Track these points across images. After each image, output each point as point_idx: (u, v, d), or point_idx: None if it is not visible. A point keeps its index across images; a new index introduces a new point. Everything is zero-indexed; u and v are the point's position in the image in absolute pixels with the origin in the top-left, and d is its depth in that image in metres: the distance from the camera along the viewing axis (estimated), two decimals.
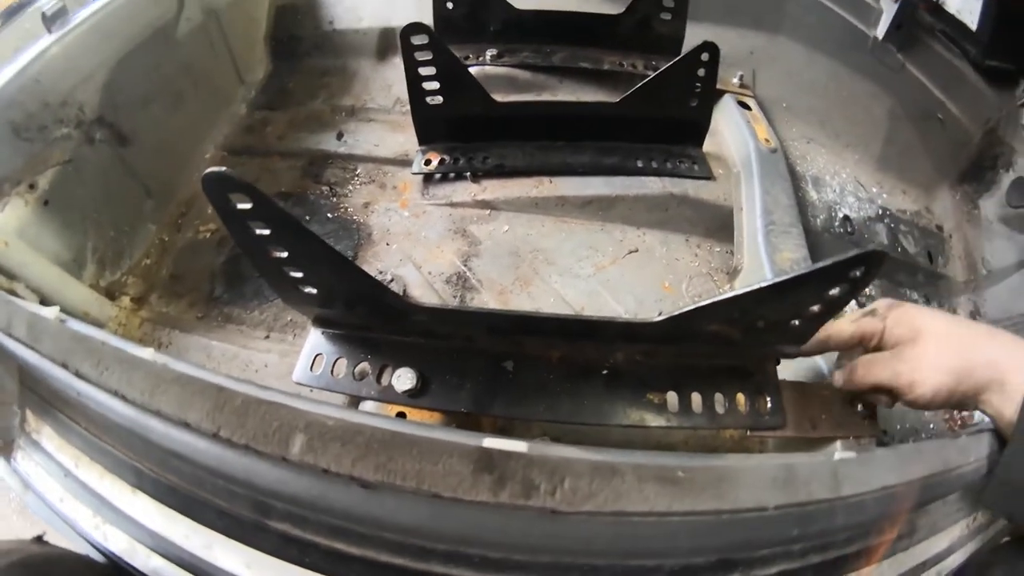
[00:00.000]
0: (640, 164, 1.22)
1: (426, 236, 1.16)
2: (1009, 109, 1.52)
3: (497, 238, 1.16)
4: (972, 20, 1.60)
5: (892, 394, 0.70)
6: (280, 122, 1.40)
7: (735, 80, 1.42)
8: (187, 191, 1.34)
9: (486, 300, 1.10)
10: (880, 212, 1.41)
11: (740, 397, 0.81)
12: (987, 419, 0.69)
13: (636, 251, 1.19)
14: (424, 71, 1.12)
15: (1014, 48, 1.52)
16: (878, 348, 0.73)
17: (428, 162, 1.22)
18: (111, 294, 1.17)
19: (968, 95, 1.48)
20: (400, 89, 1.36)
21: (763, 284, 0.62)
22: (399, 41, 1.07)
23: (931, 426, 1.17)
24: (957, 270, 1.39)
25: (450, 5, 1.30)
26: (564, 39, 1.33)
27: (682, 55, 1.12)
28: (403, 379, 0.80)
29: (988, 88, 1.50)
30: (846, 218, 1.39)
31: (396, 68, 1.42)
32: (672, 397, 0.78)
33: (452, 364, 0.81)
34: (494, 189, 1.19)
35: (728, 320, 0.71)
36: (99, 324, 1.11)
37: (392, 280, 1.13)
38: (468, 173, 1.20)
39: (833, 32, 1.50)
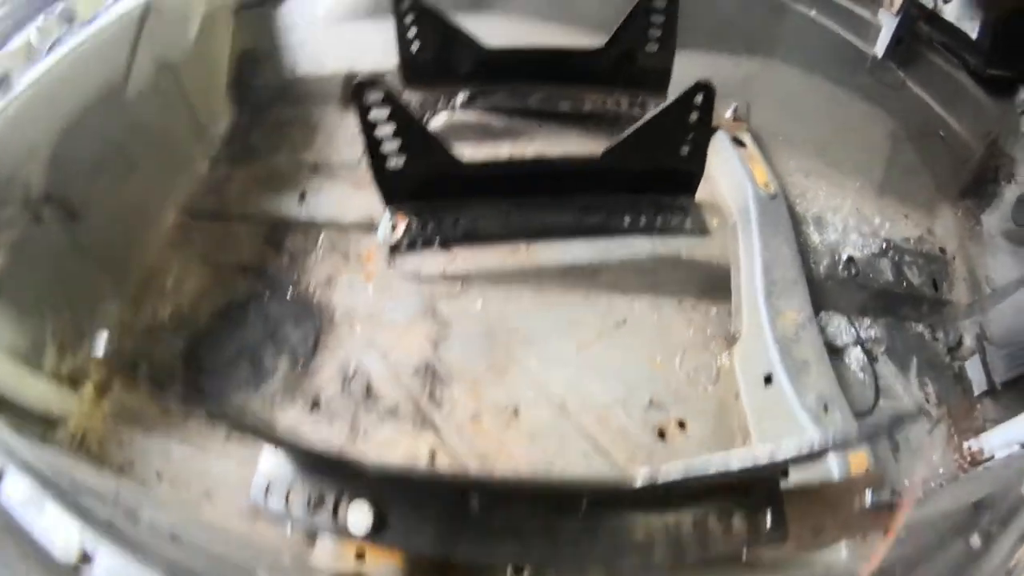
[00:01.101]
0: (627, 222, 1.04)
1: (392, 318, 0.99)
2: (1009, 119, 1.38)
3: (470, 317, 0.99)
4: (972, 28, 1.47)
5: None
6: (242, 180, 1.23)
7: (728, 113, 1.22)
8: (148, 262, 1.18)
9: (456, 395, 0.94)
10: (883, 246, 1.24)
11: (736, 518, 0.70)
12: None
13: (624, 322, 1.01)
14: (382, 132, 0.95)
15: (1015, 56, 1.40)
16: None
17: (394, 227, 1.04)
18: (75, 381, 1.03)
19: (969, 108, 1.34)
20: None
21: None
22: (352, 99, 0.90)
23: (940, 471, 1.04)
24: (961, 293, 1.26)
25: (415, 47, 1.11)
26: (541, 78, 1.13)
27: (672, 99, 0.93)
28: (359, 515, 0.68)
29: (988, 99, 1.36)
30: (850, 259, 1.21)
31: None
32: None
33: (412, 496, 0.69)
34: (466, 258, 1.02)
35: None
36: (60, 420, 1.00)
37: (355, 373, 0.98)
38: (437, 239, 1.03)
39: (831, 52, 1.31)
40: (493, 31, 1.16)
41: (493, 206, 1.03)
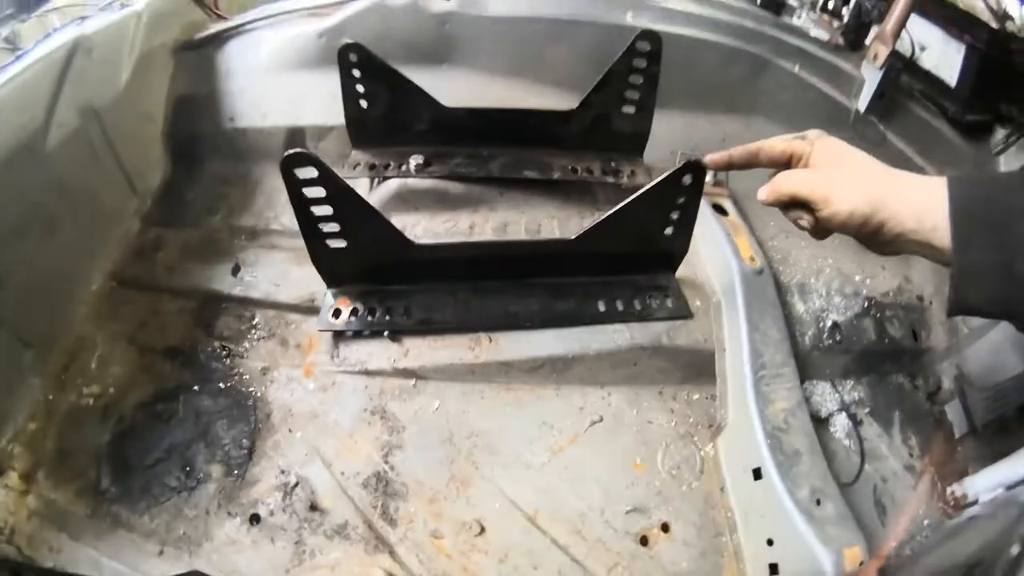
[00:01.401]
0: (602, 308, 0.91)
1: (336, 420, 0.85)
2: (985, 160, 1.35)
3: (425, 420, 0.86)
4: (950, 75, 1.46)
5: (809, 210, 0.68)
6: (173, 246, 1.07)
7: (708, 177, 1.08)
8: (72, 335, 1.02)
9: (413, 510, 0.80)
10: (865, 305, 1.17)
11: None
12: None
13: (600, 420, 0.89)
14: (319, 211, 0.82)
15: (993, 100, 1.39)
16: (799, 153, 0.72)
17: (337, 312, 0.90)
18: None
19: (946, 155, 1.30)
20: None
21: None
22: (281, 173, 0.77)
23: (926, 522, 1.01)
24: (939, 338, 1.23)
25: (364, 103, 0.97)
26: (505, 141, 1.00)
27: (656, 180, 0.81)
28: None
29: (965, 144, 1.33)
30: (835, 325, 1.13)
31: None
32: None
33: None
34: (419, 351, 0.88)
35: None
36: None
37: (297, 484, 0.84)
38: (386, 329, 0.90)
39: (813, 108, 1.23)
40: (452, 88, 1.03)
41: (450, 291, 0.89)
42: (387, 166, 0.99)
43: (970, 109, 1.35)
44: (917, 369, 1.19)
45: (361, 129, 0.99)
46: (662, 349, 0.91)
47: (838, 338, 1.14)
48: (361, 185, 1.02)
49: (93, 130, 1.09)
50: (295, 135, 1.08)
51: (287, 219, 1.04)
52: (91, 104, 1.07)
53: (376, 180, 1.01)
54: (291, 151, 0.74)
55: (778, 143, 0.74)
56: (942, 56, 1.65)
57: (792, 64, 1.24)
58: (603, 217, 0.83)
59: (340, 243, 0.84)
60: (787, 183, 0.69)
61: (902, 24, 1.30)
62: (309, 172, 0.76)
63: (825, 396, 1.11)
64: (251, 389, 0.92)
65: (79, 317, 1.04)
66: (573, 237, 0.84)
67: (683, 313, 0.96)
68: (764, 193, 0.72)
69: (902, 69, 1.32)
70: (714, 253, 1.01)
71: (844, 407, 1.11)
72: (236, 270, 1.01)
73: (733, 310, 0.98)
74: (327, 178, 0.76)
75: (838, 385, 1.14)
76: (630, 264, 0.92)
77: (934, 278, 1.27)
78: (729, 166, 0.77)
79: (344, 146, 1.03)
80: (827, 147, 0.70)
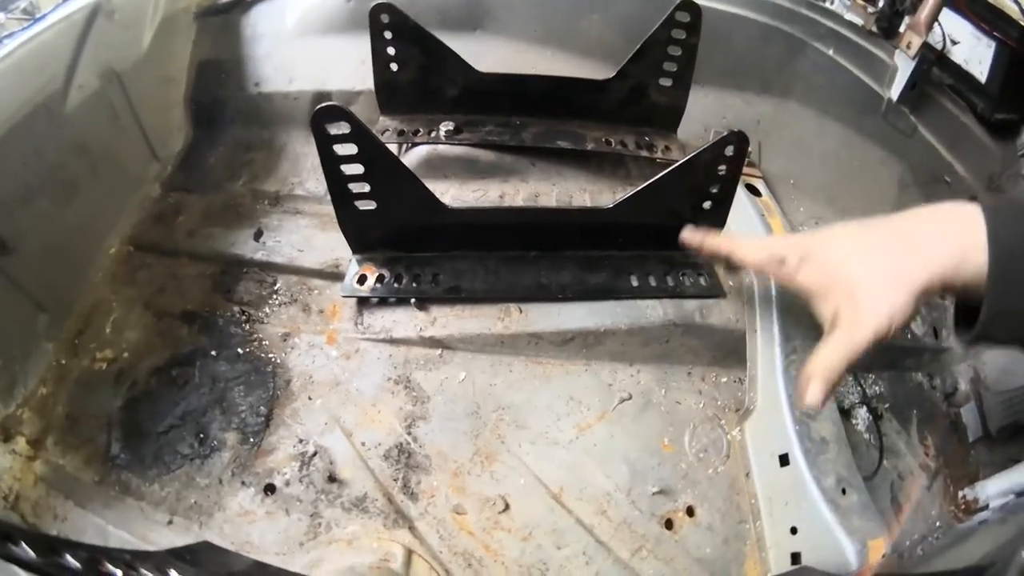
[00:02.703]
0: (635, 283, 0.84)
1: (359, 388, 0.78)
2: (1011, 160, 1.25)
3: (451, 391, 0.78)
4: (980, 71, 1.37)
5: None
6: (194, 210, 0.99)
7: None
8: (88, 299, 0.94)
9: (436, 484, 0.73)
10: None
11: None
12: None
13: (629, 399, 0.82)
14: (348, 169, 0.74)
15: (1022, 98, 1.28)
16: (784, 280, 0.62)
17: (363, 279, 0.82)
18: (6, 432, 0.80)
19: (973, 152, 1.21)
20: None
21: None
22: (311, 128, 0.70)
23: (938, 524, 0.95)
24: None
25: (395, 67, 0.89)
26: (538, 110, 0.92)
27: (700, 149, 0.73)
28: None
29: (992, 142, 1.23)
30: None
31: None
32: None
33: None
34: (447, 320, 0.80)
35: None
36: None
37: (315, 454, 0.77)
38: (414, 297, 0.83)
39: (846, 93, 1.14)
40: (485, 54, 0.96)
41: (480, 260, 0.81)
42: (416, 132, 0.91)
43: (999, 107, 1.26)
44: (936, 368, 1.13)
45: (391, 94, 0.91)
46: (693, 327, 0.84)
47: None
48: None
49: (114, 93, 1.01)
50: (322, 99, 0.98)
51: (312, 184, 0.96)
52: (112, 67, 0.99)
53: (405, 146, 0.93)
54: (324, 104, 0.66)
55: (752, 255, 0.63)
56: (972, 51, 1.56)
57: (827, 47, 1.16)
58: (641, 187, 0.75)
59: (369, 204, 0.76)
60: (837, 363, 0.55)
61: (936, 14, 1.22)
62: (341, 128, 0.68)
63: (848, 387, 1.04)
64: (271, 355, 0.84)
65: (95, 281, 0.96)
66: (608, 207, 0.77)
67: (716, 292, 0.88)
68: (816, 395, 0.56)
69: (934, 61, 1.23)
70: (748, 232, 0.93)
71: (865, 400, 1.04)
72: (259, 235, 0.94)
73: (766, 292, 0.90)
74: (360, 134, 0.69)
75: (860, 378, 1.07)
76: (664, 239, 0.84)
77: None
78: (700, 249, 0.71)
79: (372, 112, 0.95)
80: (821, 271, 0.57)
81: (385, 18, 0.85)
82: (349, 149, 0.71)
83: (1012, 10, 1.44)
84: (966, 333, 0.52)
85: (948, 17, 1.31)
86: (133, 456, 0.79)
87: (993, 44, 1.46)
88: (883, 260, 0.52)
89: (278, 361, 0.83)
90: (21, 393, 0.85)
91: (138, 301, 0.95)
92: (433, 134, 0.90)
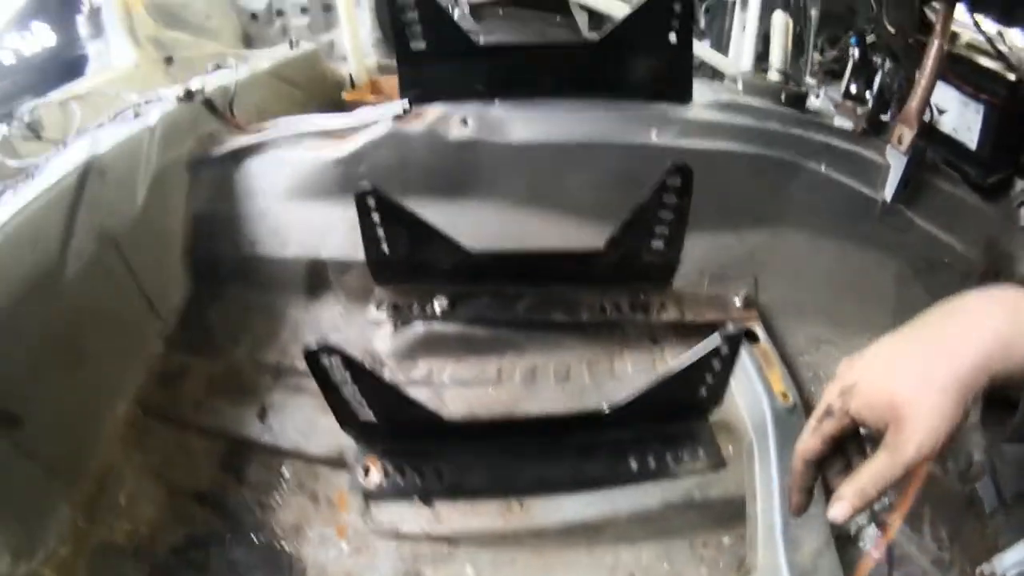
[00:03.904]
0: (634, 466, 0.80)
1: None
2: (1007, 216, 1.21)
3: None
4: (970, 138, 1.33)
5: None
6: (199, 377, 0.96)
7: (738, 300, 0.98)
8: (100, 462, 0.93)
9: None
10: None
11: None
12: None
13: None
14: (347, 392, 0.70)
15: (1012, 156, 1.25)
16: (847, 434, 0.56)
17: (367, 471, 0.82)
18: None
19: (971, 223, 1.14)
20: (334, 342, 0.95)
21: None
22: (306, 363, 0.67)
23: None
24: (973, 414, 1.03)
25: (385, 248, 0.84)
26: (530, 280, 0.88)
27: (700, 352, 0.70)
28: None
29: (987, 206, 1.18)
30: (868, 437, 1.03)
31: (330, 310, 0.97)
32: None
33: None
34: (451, 516, 0.78)
35: None
36: None
37: None
38: (417, 492, 0.80)
39: (840, 207, 1.08)
40: (473, 217, 0.91)
41: (480, 454, 0.79)
42: (411, 306, 0.87)
43: (991, 170, 1.23)
44: (949, 452, 1.03)
45: (383, 268, 0.87)
46: (694, 504, 0.81)
47: (868, 450, 1.03)
48: (386, 327, 0.91)
49: (111, 256, 0.96)
50: (316, 268, 0.96)
51: None
52: (108, 230, 0.94)
53: (398, 324, 0.89)
54: (316, 345, 0.63)
55: (809, 442, 0.55)
56: (960, 118, 1.49)
57: (819, 164, 1.09)
58: (635, 395, 0.72)
59: (369, 416, 0.74)
60: (866, 488, 0.51)
61: (926, 102, 1.14)
62: (335, 360, 0.65)
63: None
64: (284, 544, 0.82)
65: (105, 444, 0.93)
66: (606, 409, 0.74)
67: (716, 464, 0.85)
68: (839, 515, 0.52)
69: (924, 150, 1.17)
70: (746, 388, 0.89)
71: (873, 517, 1.00)
72: (263, 414, 0.91)
73: (765, 452, 0.86)
74: (352, 367, 0.66)
75: None
76: (663, 416, 0.82)
77: None
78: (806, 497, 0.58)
79: (368, 280, 0.90)
80: (865, 401, 0.52)
81: (371, 202, 0.80)
82: (345, 376, 0.68)
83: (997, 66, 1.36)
84: (997, 424, 0.49)
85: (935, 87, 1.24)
86: None
87: (981, 107, 1.39)
88: (921, 370, 0.48)
89: (292, 552, 0.82)
90: (43, 552, 0.83)
91: (149, 471, 0.92)
92: (428, 309, 0.87)
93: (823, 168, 1.09)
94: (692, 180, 0.82)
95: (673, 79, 0.92)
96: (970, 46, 1.42)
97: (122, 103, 1.19)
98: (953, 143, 1.39)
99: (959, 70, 1.34)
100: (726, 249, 0.98)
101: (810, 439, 0.56)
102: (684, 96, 0.94)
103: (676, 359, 0.76)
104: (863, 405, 0.52)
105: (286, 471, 0.87)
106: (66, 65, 1.80)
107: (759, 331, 0.96)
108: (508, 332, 0.88)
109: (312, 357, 0.66)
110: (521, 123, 0.89)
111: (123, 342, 1.01)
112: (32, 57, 1.73)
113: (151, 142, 1.08)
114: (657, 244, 0.86)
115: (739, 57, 1.71)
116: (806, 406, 0.93)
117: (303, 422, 0.89)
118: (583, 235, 0.90)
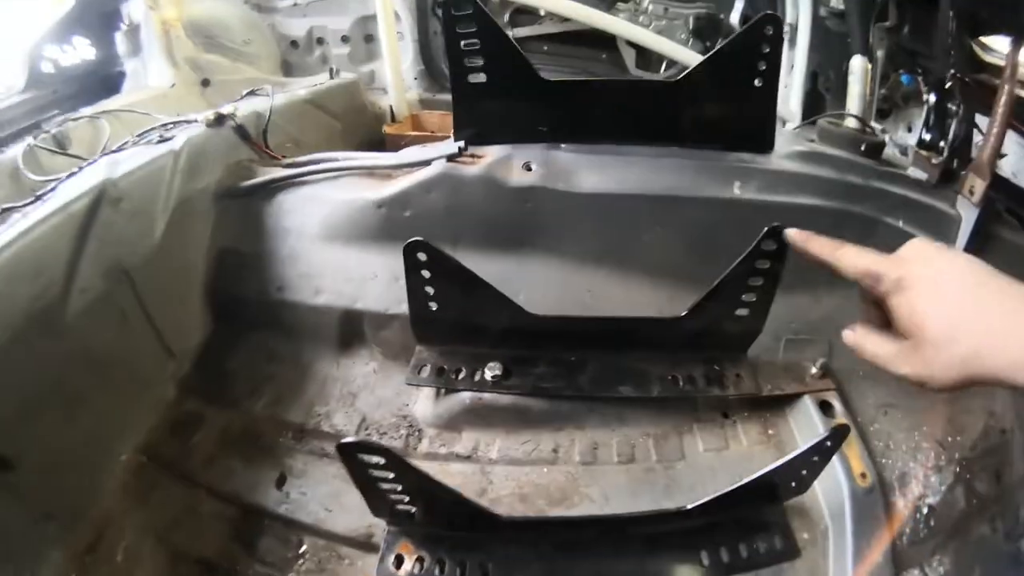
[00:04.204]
0: (706, 561, 0.67)
1: None
2: None
3: None
4: None
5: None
6: (212, 429, 0.85)
7: (814, 369, 0.86)
8: (99, 508, 0.81)
9: None
10: (956, 471, 0.93)
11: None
12: None
13: None
14: (385, 485, 0.59)
15: None
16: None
17: (399, 560, 0.69)
18: None
19: None
20: (366, 403, 0.84)
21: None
22: (341, 458, 0.55)
23: None
24: (1020, 469, 0.98)
25: (433, 306, 0.74)
26: (596, 346, 0.77)
27: (803, 454, 0.60)
28: None
29: None
30: (930, 510, 0.90)
31: (363, 367, 0.86)
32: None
33: None
34: None
35: None
36: None
37: None
38: None
39: None
40: (533, 275, 0.80)
41: (532, 548, 0.66)
42: (458, 371, 0.76)
43: None
44: (998, 511, 0.96)
45: (429, 327, 0.76)
46: None
47: (932, 523, 0.91)
48: (427, 391, 0.80)
49: (122, 293, 0.86)
50: (351, 319, 0.85)
51: (340, 419, 0.81)
52: (120, 264, 0.85)
53: (442, 391, 0.79)
54: (353, 442, 0.52)
55: (861, 260, 0.57)
56: (1021, 160, 1.41)
57: (897, 219, 0.99)
58: (706, 500, 0.61)
59: (407, 507, 0.62)
60: (869, 349, 0.56)
61: (998, 151, 1.05)
62: (375, 458, 0.54)
63: None
64: None
65: (107, 490, 0.82)
66: (674, 509, 0.62)
67: (791, 553, 0.72)
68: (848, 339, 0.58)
69: (996, 200, 1.07)
70: (823, 474, 0.78)
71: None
72: (282, 481, 0.79)
73: (841, 539, 0.75)
74: (396, 464, 0.54)
75: (927, 568, 0.91)
76: (737, 502, 0.69)
77: (1014, 404, 1.02)
78: (804, 252, 0.64)
79: (408, 337, 0.80)
80: (908, 311, 0.51)
81: (422, 256, 0.70)
82: (385, 474, 0.57)
83: None
84: None
85: None
86: None
87: None
88: (967, 342, 0.47)
89: None
90: None
91: (151, 530, 0.81)
92: (477, 376, 0.75)
93: (901, 224, 0.99)
94: (787, 245, 0.72)
95: (755, 126, 0.82)
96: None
97: (150, 124, 1.12)
98: (1014, 188, 1.31)
99: (1020, 112, 1.27)
100: (802, 312, 0.87)
101: (854, 259, 0.57)
102: (766, 145, 0.84)
103: (764, 453, 0.64)
104: (904, 310, 0.52)
105: (304, 548, 0.75)
106: (104, 81, 1.75)
107: (835, 402, 0.84)
108: (567, 404, 0.77)
109: (346, 452, 0.54)
110: (591, 170, 0.79)
111: (131, 386, 0.89)
112: (71, 69, 1.68)
113: (174, 169, 0.98)
114: (742, 312, 0.75)
115: (788, 96, 1.63)
116: (881, 483, 0.83)
117: (327, 493, 0.77)
118: (655, 297, 0.80)
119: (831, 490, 0.78)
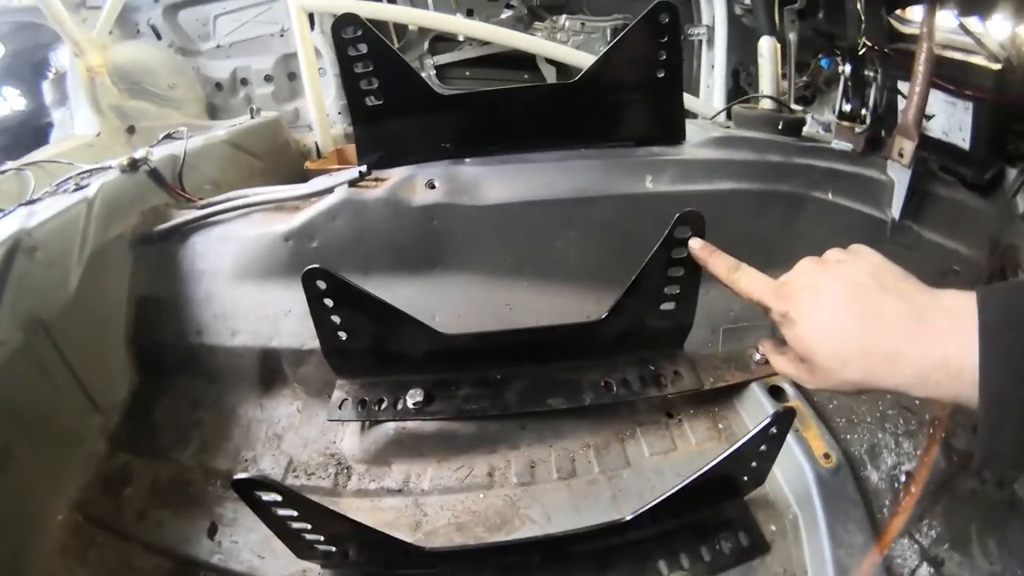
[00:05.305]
0: (664, 570, 0.61)
1: None
2: (1004, 208, 1.10)
3: None
4: (962, 138, 1.25)
5: None
6: (142, 481, 0.78)
7: (758, 355, 0.80)
8: (40, 570, 0.74)
9: None
10: (930, 432, 0.87)
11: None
12: None
13: None
14: (294, 524, 0.54)
15: (1002, 146, 1.18)
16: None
17: None
18: None
19: (972, 224, 1.03)
20: (292, 444, 0.77)
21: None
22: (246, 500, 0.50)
23: None
24: None
25: (343, 335, 0.68)
26: (520, 360, 0.71)
27: (745, 444, 0.55)
28: None
29: (985, 203, 1.08)
30: (908, 476, 0.86)
31: (287, 407, 0.79)
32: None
33: None
34: None
35: None
36: None
37: None
38: None
39: (851, 233, 0.89)
40: (448, 296, 0.74)
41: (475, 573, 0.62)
42: (380, 402, 0.70)
43: (986, 167, 1.13)
44: (985, 463, 0.94)
45: (344, 359, 0.70)
46: None
47: (912, 489, 0.87)
48: (351, 426, 0.74)
49: (41, 345, 0.80)
50: (269, 358, 0.79)
51: (268, 463, 0.74)
52: (37, 315, 0.79)
53: (365, 424, 0.72)
54: (246, 478, 0.46)
55: (752, 288, 0.55)
56: (950, 119, 1.40)
57: (825, 192, 0.95)
58: (664, 497, 0.55)
59: (327, 547, 0.56)
60: (777, 365, 0.55)
61: (922, 110, 1.02)
62: (272, 495, 0.48)
63: (906, 554, 0.83)
64: None
65: (45, 551, 0.75)
66: (627, 518, 0.56)
67: (759, 548, 0.67)
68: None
69: (927, 159, 1.04)
70: (782, 456, 0.71)
71: (924, 555, 0.83)
72: (213, 531, 0.73)
73: (813, 526, 0.70)
74: (292, 500, 0.49)
75: (916, 534, 0.87)
76: (692, 507, 0.64)
77: None
78: (706, 268, 0.61)
79: (328, 373, 0.74)
80: (796, 338, 0.49)
81: (321, 284, 0.64)
82: (304, 526, 0.50)
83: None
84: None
85: None
86: None
87: (970, 105, 1.28)
88: (857, 367, 0.46)
89: None
90: None
91: None
92: (400, 405, 0.69)
93: (830, 195, 0.95)
94: (704, 228, 0.67)
95: (663, 119, 0.78)
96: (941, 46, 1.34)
97: (70, 173, 1.05)
98: (945, 147, 1.29)
99: (945, 73, 1.25)
100: (736, 298, 0.82)
101: (750, 287, 0.56)
102: (677, 136, 0.79)
103: (715, 449, 0.59)
104: (792, 339, 0.50)
105: None
106: (35, 132, 1.67)
107: (786, 386, 0.79)
108: (497, 424, 0.71)
109: (241, 488, 0.48)
110: (496, 181, 0.74)
111: (58, 442, 0.83)
112: (2, 120, 1.60)
113: (88, 217, 0.92)
114: (667, 306, 0.70)
115: (711, 96, 1.60)
116: (849, 460, 0.78)
117: (258, 540, 0.70)
118: (582, 303, 0.74)
119: (794, 477, 0.73)
